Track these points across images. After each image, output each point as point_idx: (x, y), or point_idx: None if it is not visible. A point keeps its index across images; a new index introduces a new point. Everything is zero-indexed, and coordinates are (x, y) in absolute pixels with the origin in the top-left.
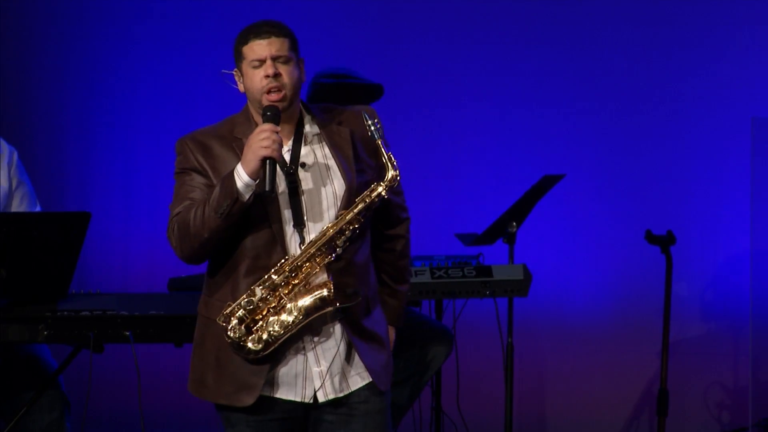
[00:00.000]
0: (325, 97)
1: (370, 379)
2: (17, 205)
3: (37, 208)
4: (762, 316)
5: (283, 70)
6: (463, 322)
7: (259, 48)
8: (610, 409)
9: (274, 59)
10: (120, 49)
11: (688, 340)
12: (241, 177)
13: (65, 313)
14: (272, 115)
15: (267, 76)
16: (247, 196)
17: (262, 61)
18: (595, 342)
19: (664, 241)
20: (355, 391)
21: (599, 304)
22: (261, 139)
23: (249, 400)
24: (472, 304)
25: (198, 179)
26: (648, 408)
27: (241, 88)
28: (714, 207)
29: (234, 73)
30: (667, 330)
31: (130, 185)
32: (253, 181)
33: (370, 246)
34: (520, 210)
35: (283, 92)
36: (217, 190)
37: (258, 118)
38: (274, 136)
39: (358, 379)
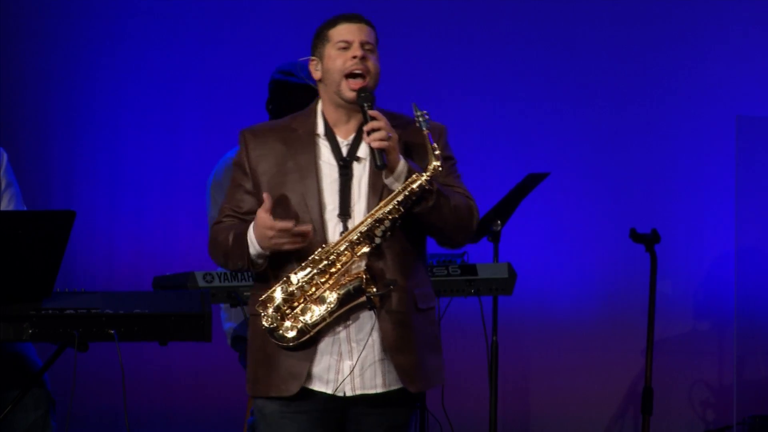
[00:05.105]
0: (277, 94)
1: (401, 384)
2: (5, 207)
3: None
4: (746, 315)
5: (370, 57)
6: (447, 320)
7: (348, 31)
8: (595, 407)
9: (362, 44)
10: (105, 48)
11: (672, 338)
12: (254, 245)
13: (50, 311)
14: (366, 96)
15: (354, 57)
16: (260, 262)
17: (350, 43)
18: (580, 340)
19: (649, 240)
20: (385, 392)
21: (584, 302)
22: (269, 237)
23: (294, 388)
24: (456, 303)
25: (242, 177)
26: (633, 406)
27: (316, 75)
28: (699, 205)
29: (311, 60)
30: (652, 328)
31: (115, 184)
32: (265, 252)
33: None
34: (505, 208)
35: (367, 79)
36: (234, 245)
37: (328, 109)
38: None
39: (389, 378)
